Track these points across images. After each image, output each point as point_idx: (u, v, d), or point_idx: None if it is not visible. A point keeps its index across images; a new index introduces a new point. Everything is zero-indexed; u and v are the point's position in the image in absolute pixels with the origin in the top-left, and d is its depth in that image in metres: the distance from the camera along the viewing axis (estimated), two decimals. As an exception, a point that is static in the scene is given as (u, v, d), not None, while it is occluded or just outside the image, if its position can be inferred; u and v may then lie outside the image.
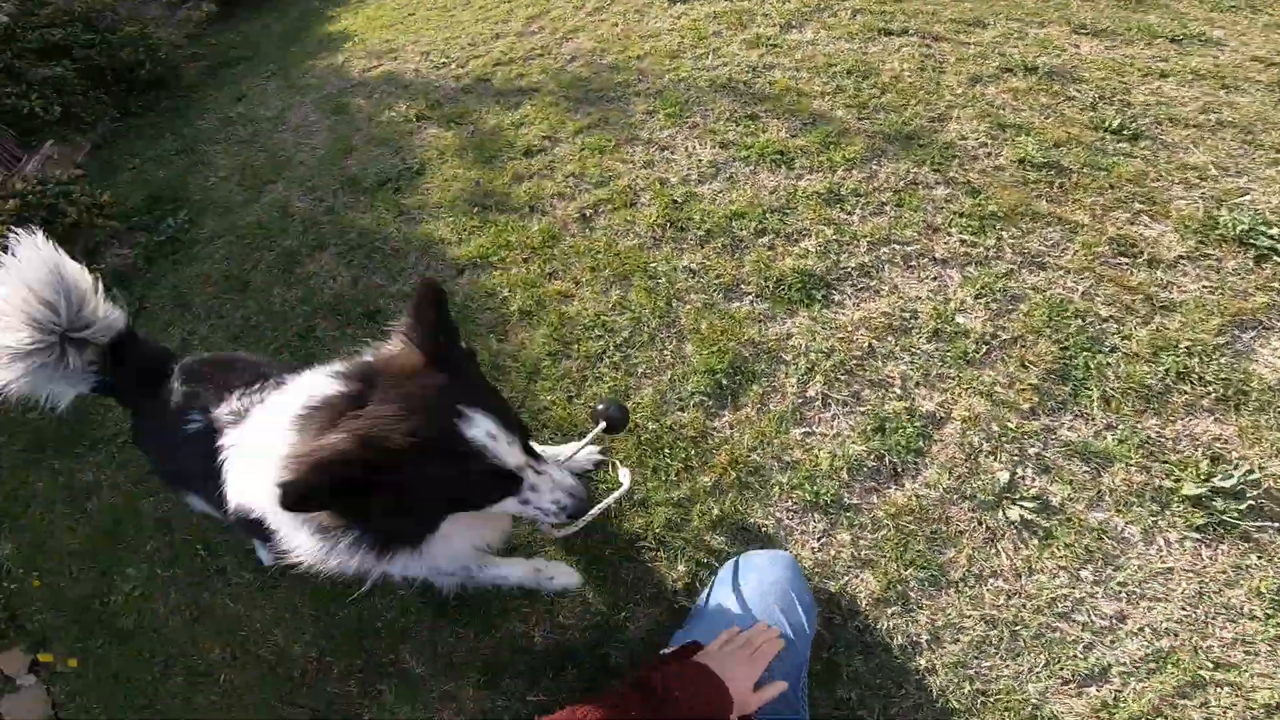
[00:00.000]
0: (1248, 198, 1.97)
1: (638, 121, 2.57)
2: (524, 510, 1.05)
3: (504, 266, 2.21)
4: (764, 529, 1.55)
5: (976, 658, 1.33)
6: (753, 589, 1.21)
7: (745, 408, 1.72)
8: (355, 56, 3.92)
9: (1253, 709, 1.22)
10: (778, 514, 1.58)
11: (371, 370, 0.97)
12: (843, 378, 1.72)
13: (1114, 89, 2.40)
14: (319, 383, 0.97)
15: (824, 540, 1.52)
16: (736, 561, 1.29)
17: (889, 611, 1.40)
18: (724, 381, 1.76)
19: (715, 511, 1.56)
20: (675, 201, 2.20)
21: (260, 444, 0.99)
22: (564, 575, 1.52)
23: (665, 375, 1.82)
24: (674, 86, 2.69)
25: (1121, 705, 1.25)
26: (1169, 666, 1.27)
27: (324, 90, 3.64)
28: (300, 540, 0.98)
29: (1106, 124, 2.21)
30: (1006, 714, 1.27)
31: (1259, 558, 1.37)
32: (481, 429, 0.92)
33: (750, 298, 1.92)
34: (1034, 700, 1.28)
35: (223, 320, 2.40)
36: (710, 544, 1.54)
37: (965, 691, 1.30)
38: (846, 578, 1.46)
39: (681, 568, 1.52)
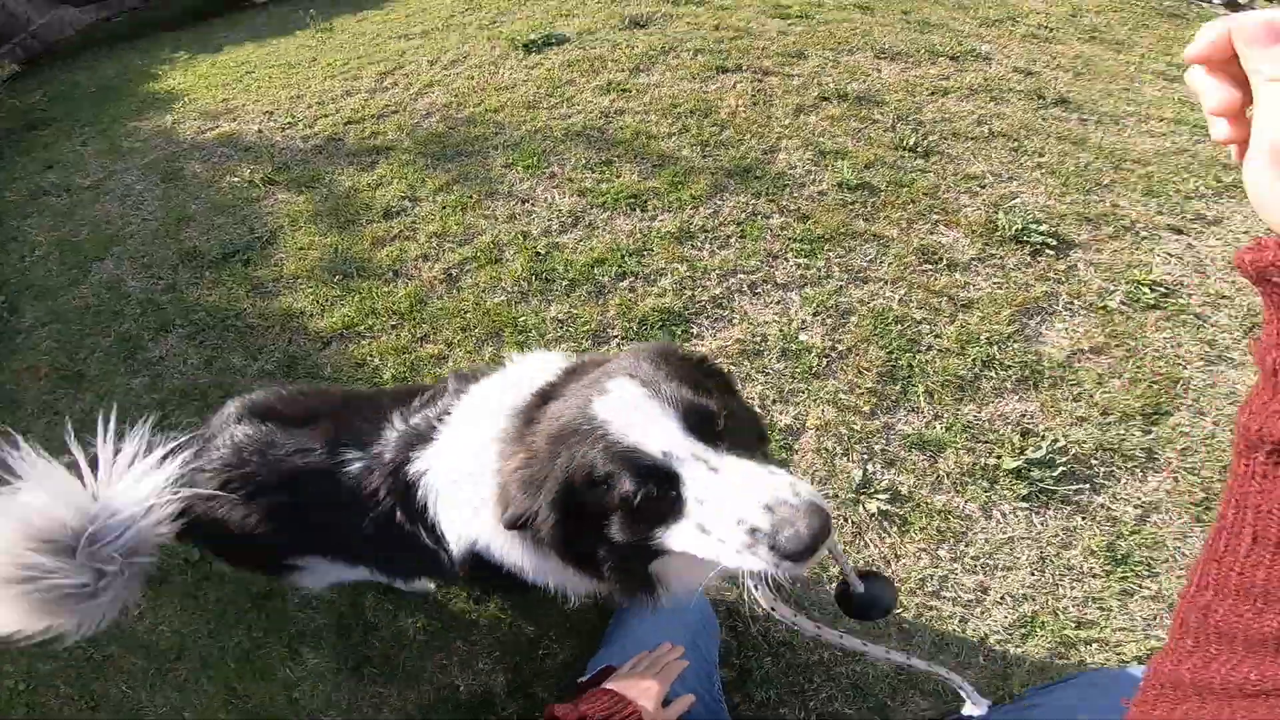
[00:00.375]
0: (1019, 200, 2.35)
1: (497, 175, 2.62)
2: (712, 548, 0.68)
3: (373, 335, 2.17)
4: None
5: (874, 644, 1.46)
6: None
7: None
8: (187, 117, 3.65)
9: (1125, 661, 1.38)
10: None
11: (579, 364, 0.87)
12: (710, 405, 1.86)
13: (908, 109, 2.76)
14: (513, 383, 0.90)
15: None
16: None
17: (782, 613, 1.53)
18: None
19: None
20: (539, 254, 2.27)
21: (469, 465, 0.89)
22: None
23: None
24: (531, 137, 2.77)
25: (1011, 673, 1.39)
26: (1037, 630, 1.44)
27: (151, 155, 3.36)
28: (530, 563, 0.89)
29: (904, 143, 2.54)
30: (913, 693, 1.39)
31: (1082, 519, 1.60)
32: (613, 401, 0.69)
33: (616, 339, 2.03)
34: (935, 679, 1.40)
35: (60, 415, 2.16)
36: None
37: (870, 676, 1.42)
38: (741, 586, 1.57)
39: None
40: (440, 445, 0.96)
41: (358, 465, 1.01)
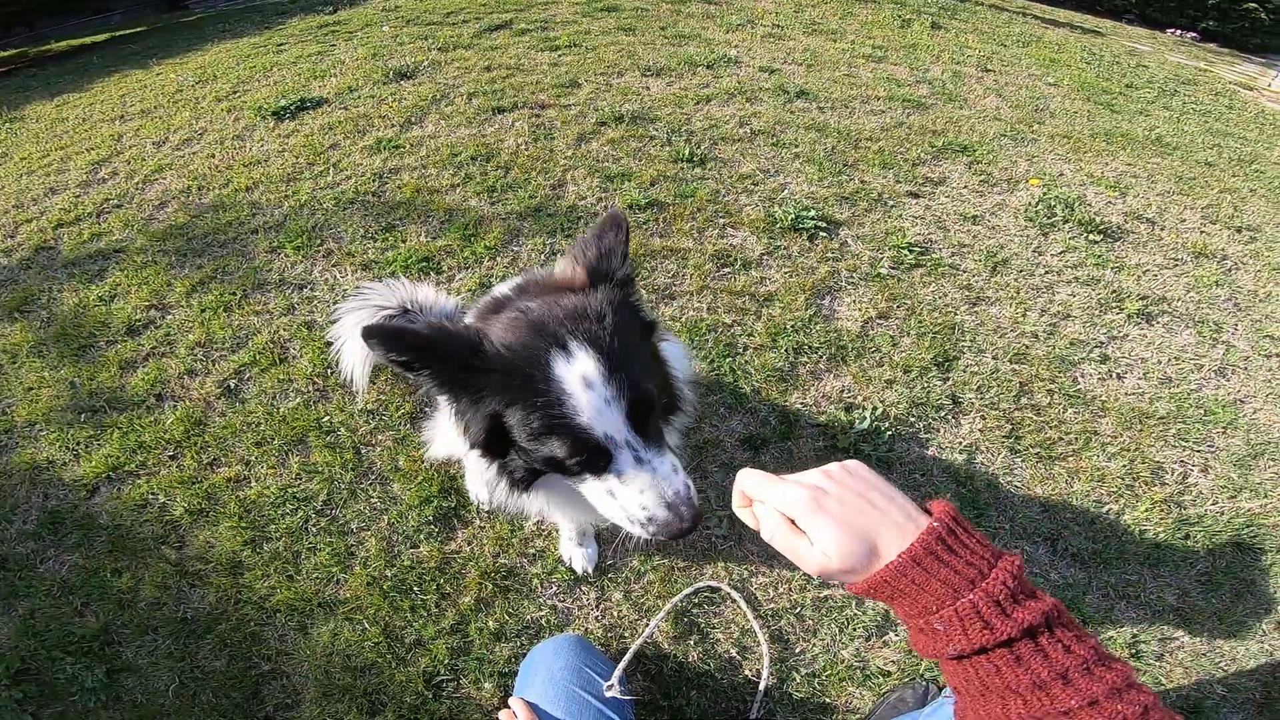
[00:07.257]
0: (788, 191, 2.58)
1: (262, 263, 2.31)
2: (609, 506, 0.86)
3: (148, 471, 1.81)
4: (544, 620, 1.54)
5: (783, 653, 1.46)
6: (544, 682, 1.18)
7: (473, 521, 1.70)
8: None
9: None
10: (549, 602, 1.58)
11: (533, 282, 0.98)
12: (551, 460, 1.79)
13: (679, 121, 2.92)
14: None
15: (603, 607, 1.57)
16: (524, 664, 1.25)
17: (690, 643, 1.48)
18: (443, 504, 1.71)
19: (490, 624, 1.51)
20: (330, 344, 2.04)
21: None
22: (581, 560, 1.63)
23: (383, 521, 1.70)
24: (296, 213, 2.49)
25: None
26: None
27: None
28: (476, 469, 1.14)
29: (681, 154, 2.68)
30: (844, 683, 1.41)
31: (920, 475, 1.75)
32: (576, 370, 0.79)
33: (439, 418, 1.88)
34: (850, 660, 1.44)
35: None
36: (501, 653, 1.48)
37: (798, 679, 1.42)
38: (636, 628, 1.51)
39: (488, 686, 1.43)
40: None
41: None
